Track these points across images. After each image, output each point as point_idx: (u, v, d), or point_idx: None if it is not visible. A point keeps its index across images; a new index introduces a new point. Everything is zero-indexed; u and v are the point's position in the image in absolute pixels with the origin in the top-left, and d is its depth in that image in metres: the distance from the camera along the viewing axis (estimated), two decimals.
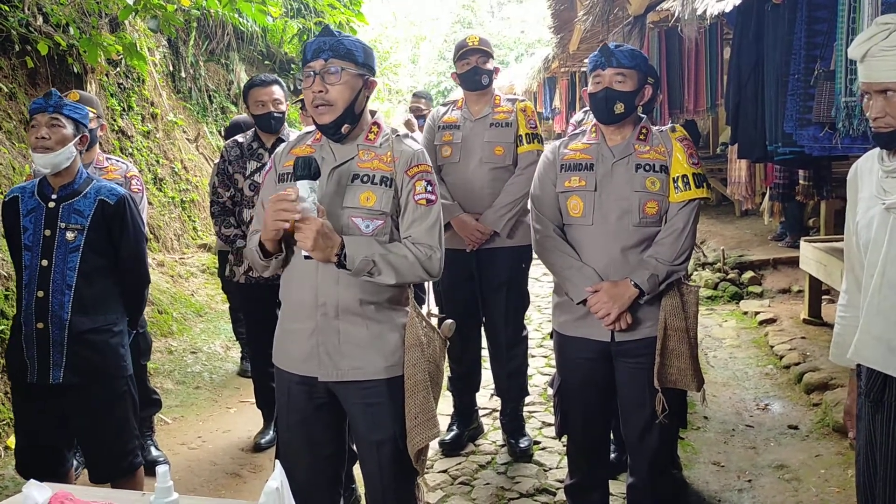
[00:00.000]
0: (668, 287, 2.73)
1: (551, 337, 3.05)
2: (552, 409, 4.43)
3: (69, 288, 2.80)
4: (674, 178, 2.72)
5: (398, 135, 2.39)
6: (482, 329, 4.08)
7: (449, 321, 2.46)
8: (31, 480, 1.77)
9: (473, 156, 3.80)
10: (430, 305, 4.30)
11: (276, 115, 3.84)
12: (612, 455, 3.47)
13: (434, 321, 2.43)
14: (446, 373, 4.13)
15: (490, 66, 3.82)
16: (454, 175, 3.84)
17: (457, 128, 3.86)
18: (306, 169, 2.12)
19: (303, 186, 2.11)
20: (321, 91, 2.21)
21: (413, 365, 2.29)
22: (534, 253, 3.05)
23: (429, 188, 2.32)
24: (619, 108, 2.69)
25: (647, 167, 2.73)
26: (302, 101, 4.26)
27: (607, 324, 2.70)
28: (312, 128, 2.42)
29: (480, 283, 3.88)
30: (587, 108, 4.77)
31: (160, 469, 1.69)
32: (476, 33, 4.00)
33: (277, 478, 1.61)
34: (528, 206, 3.88)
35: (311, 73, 2.22)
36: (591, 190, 2.75)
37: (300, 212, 2.09)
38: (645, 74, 2.74)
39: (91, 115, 3.57)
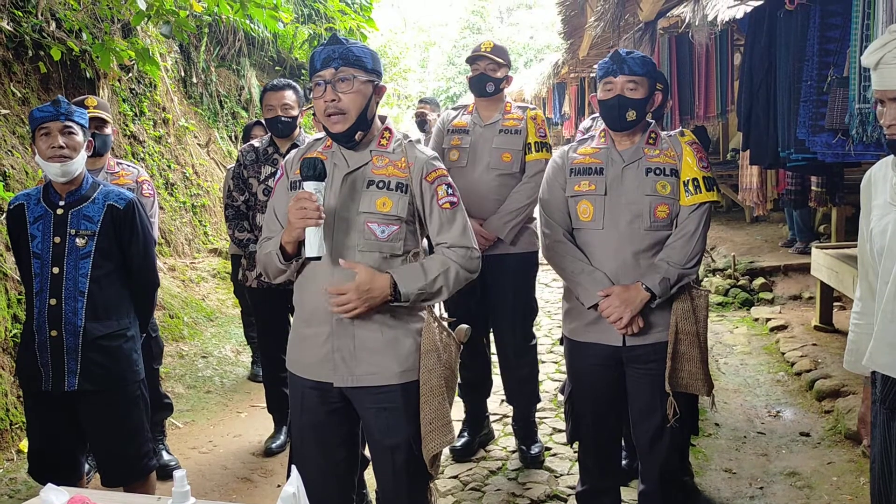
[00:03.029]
0: (678, 291, 2.72)
1: (561, 343, 3.06)
2: (563, 416, 4.44)
3: (82, 294, 2.78)
4: (684, 182, 2.72)
5: (410, 140, 2.41)
6: (489, 336, 4.08)
7: (464, 326, 2.46)
8: (49, 484, 1.78)
9: (481, 161, 3.79)
10: (441, 309, 4.30)
11: (283, 119, 3.84)
12: (623, 462, 3.46)
13: (448, 325, 2.44)
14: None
15: (500, 74, 3.81)
16: (461, 180, 3.82)
17: (466, 132, 3.86)
18: (311, 170, 2.15)
19: (309, 188, 2.15)
20: (334, 100, 2.22)
21: (429, 370, 2.30)
22: (542, 259, 3.04)
23: (450, 191, 2.35)
24: (631, 115, 2.70)
25: (658, 171, 2.73)
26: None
27: (619, 328, 2.70)
28: (322, 134, 2.43)
29: (486, 291, 3.87)
30: (595, 114, 4.78)
31: (177, 473, 1.69)
32: (492, 39, 3.97)
33: (294, 483, 1.62)
34: (535, 214, 3.91)
35: (322, 82, 2.23)
36: (601, 194, 2.75)
37: (321, 208, 2.13)
38: (654, 81, 2.75)
39: (108, 119, 3.62)
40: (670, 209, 2.72)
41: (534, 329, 4.06)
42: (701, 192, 2.71)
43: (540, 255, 3.98)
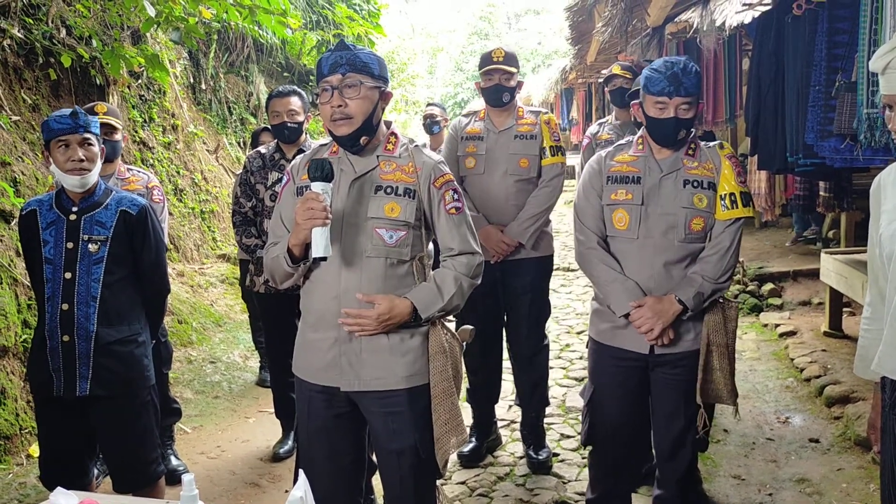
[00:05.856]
0: (710, 303, 2.73)
1: (576, 347, 3.05)
2: (570, 421, 4.43)
3: (94, 299, 2.79)
4: (721, 196, 2.71)
5: (416, 145, 2.42)
6: (503, 339, 4.08)
7: (468, 327, 2.48)
8: (59, 488, 1.79)
9: (498, 168, 3.80)
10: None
11: (290, 125, 3.86)
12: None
13: (451, 327, 2.45)
14: (464, 384, 4.14)
15: (513, 82, 3.80)
16: (478, 186, 3.84)
17: (480, 139, 3.86)
18: (319, 171, 2.16)
19: (316, 188, 2.16)
20: (340, 105, 2.23)
21: (439, 372, 2.31)
22: (556, 263, 3.04)
23: (455, 196, 2.38)
24: (682, 134, 2.71)
25: (696, 183, 2.72)
26: None
27: (650, 339, 2.69)
28: (329, 139, 2.44)
29: (504, 293, 3.88)
30: (603, 119, 4.77)
31: (186, 477, 1.69)
32: (503, 46, 3.92)
33: (301, 487, 1.62)
34: (550, 217, 3.92)
35: (329, 87, 2.24)
36: (638, 204, 2.74)
37: (328, 209, 2.14)
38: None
39: (117, 126, 3.64)
40: (705, 222, 2.72)
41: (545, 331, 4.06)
42: (738, 208, 2.70)
43: (556, 258, 3.98)
